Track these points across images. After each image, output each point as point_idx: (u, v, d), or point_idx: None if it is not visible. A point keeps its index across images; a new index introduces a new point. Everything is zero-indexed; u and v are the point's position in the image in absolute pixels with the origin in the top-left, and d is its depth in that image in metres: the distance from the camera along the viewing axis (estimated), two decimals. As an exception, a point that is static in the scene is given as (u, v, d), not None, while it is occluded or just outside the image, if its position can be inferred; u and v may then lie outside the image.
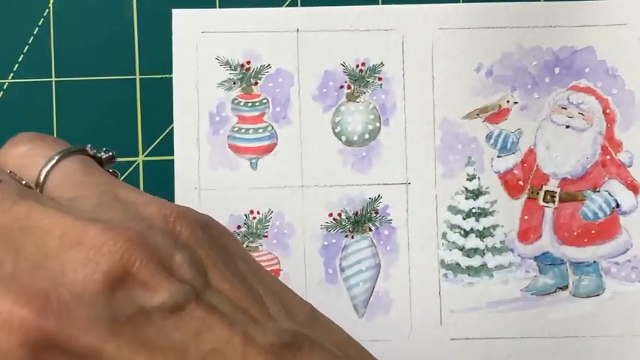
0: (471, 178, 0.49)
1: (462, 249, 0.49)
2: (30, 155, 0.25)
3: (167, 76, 0.49)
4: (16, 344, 0.19)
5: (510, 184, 0.49)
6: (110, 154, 0.27)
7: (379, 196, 0.49)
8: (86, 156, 0.26)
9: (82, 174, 0.25)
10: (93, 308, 0.20)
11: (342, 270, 0.49)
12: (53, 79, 0.49)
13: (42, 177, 0.24)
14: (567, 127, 0.49)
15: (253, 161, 0.49)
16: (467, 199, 0.49)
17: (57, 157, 0.25)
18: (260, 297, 0.23)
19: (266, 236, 0.49)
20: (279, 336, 0.21)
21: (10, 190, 0.23)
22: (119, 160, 0.49)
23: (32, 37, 0.49)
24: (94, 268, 0.20)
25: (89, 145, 0.27)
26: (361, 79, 0.50)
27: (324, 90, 0.50)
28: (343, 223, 0.49)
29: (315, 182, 0.49)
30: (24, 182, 0.24)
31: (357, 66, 0.50)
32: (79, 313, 0.20)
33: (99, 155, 0.27)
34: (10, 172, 0.25)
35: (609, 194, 0.49)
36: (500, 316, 0.49)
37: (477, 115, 0.49)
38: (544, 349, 0.48)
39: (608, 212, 0.49)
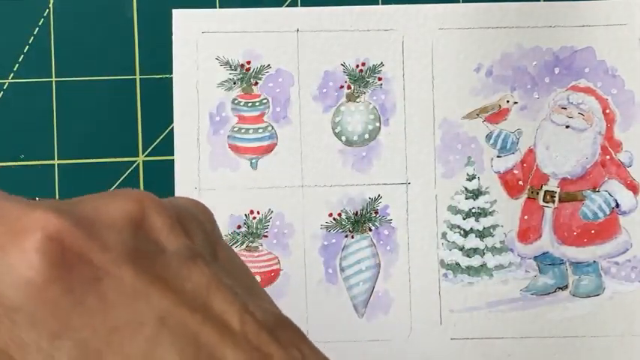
0: (470, 178, 0.49)
1: (461, 249, 0.49)
2: None
3: (167, 76, 0.49)
4: (48, 239, 0.21)
5: (510, 184, 0.49)
6: None
7: (379, 196, 0.49)
8: None
9: None
10: (118, 234, 0.22)
11: (342, 270, 0.49)
12: (53, 79, 0.49)
13: None
14: (567, 127, 0.50)
15: (253, 161, 0.49)
16: (467, 199, 0.49)
17: None
18: (253, 286, 0.25)
19: (266, 236, 0.49)
20: (273, 315, 0.23)
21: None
22: (119, 160, 0.49)
23: (32, 37, 0.49)
24: (121, 208, 0.23)
25: None
26: (361, 79, 0.50)
27: (324, 90, 0.50)
28: (343, 223, 0.49)
29: (315, 182, 0.49)
30: None
31: (357, 66, 0.50)
32: (107, 234, 0.22)
33: None
34: None
35: (609, 194, 0.49)
36: (500, 316, 0.49)
37: (477, 115, 0.49)
38: (544, 349, 0.48)
39: (608, 212, 0.49)
